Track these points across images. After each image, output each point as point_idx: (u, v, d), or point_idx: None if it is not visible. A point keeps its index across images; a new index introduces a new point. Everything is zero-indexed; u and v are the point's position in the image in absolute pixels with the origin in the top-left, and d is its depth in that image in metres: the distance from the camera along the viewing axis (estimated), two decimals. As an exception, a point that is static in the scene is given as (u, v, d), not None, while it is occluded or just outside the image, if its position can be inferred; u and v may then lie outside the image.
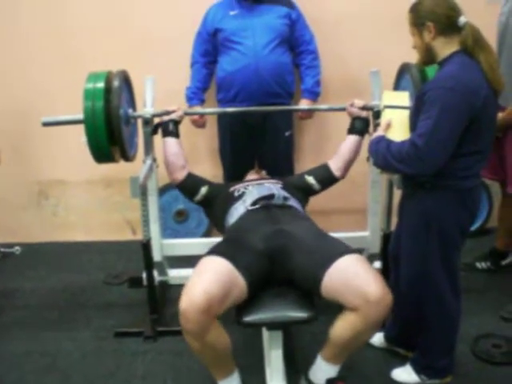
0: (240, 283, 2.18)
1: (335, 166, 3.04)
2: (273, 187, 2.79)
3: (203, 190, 3.00)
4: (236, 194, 2.83)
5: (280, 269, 2.31)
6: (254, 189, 2.79)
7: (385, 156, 2.22)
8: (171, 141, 3.04)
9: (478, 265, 3.72)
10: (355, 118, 3.09)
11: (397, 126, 2.37)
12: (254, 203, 2.64)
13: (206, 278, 2.10)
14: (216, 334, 2.11)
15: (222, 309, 2.09)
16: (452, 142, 2.11)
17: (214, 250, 2.31)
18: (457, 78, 2.09)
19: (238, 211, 2.68)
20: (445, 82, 2.10)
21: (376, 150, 2.29)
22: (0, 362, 2.88)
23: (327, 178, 3.05)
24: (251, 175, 3.23)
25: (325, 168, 3.07)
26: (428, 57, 2.28)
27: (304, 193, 2.99)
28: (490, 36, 2.24)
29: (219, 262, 2.20)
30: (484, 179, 3.31)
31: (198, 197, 3.01)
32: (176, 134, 3.06)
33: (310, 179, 3.02)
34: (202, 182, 3.06)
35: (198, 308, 2.00)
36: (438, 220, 2.28)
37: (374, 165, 2.46)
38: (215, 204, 2.94)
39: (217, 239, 2.66)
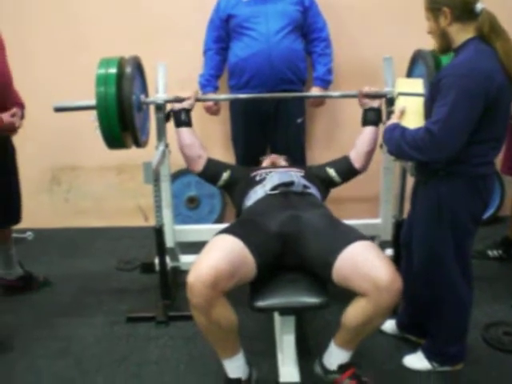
0: (249, 262, 2.19)
1: (355, 159, 3.03)
2: (293, 175, 2.79)
3: (225, 175, 3.00)
4: (257, 178, 2.84)
5: (292, 254, 2.32)
6: (276, 175, 2.79)
7: (399, 143, 2.21)
8: (184, 131, 3.04)
9: (490, 253, 3.72)
10: (367, 110, 3.08)
11: (411, 114, 2.36)
12: (273, 188, 2.65)
13: (215, 254, 2.12)
14: (222, 310, 2.12)
15: (229, 285, 2.09)
16: (467, 129, 2.10)
17: (226, 230, 2.33)
18: (473, 64, 2.08)
19: (256, 195, 2.69)
20: (460, 69, 2.09)
21: (390, 137, 2.29)
22: (12, 347, 2.90)
23: (348, 171, 3.05)
24: (272, 159, 3.21)
25: (345, 160, 3.06)
26: (444, 43, 2.25)
27: (324, 184, 2.98)
28: (507, 23, 2.20)
29: (230, 240, 2.21)
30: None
31: (220, 182, 3.02)
32: (188, 123, 3.06)
33: (331, 172, 3.01)
34: (223, 166, 3.07)
35: (205, 282, 2.01)
36: (451, 207, 2.28)
37: (388, 152, 2.45)
38: (236, 188, 2.94)
39: (229, 225, 2.67)
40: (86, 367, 2.74)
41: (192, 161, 3.04)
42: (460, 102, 2.05)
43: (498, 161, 3.27)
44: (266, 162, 3.19)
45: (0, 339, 2.90)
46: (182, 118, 3.03)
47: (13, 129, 2.92)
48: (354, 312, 2.14)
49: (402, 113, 2.37)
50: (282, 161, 3.19)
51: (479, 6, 2.14)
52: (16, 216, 3.20)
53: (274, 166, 3.09)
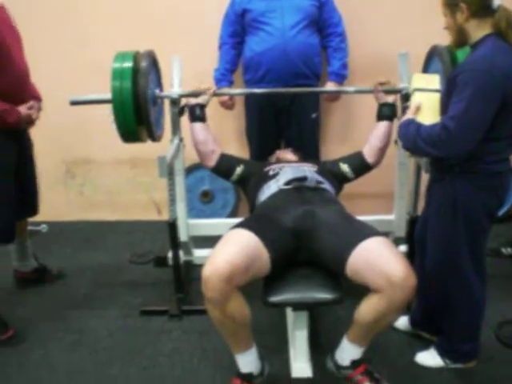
0: (264, 257, 2.19)
1: (369, 154, 3.03)
2: (307, 170, 2.79)
3: (238, 169, 3.01)
4: (271, 173, 2.84)
5: (306, 249, 2.33)
6: (289, 169, 2.80)
7: (414, 139, 2.20)
8: (198, 126, 3.03)
9: (504, 250, 3.71)
10: (382, 104, 3.07)
11: (427, 109, 2.35)
12: (287, 183, 2.65)
13: (231, 248, 2.12)
14: (236, 304, 2.12)
15: (243, 279, 2.11)
16: (483, 125, 2.09)
17: (242, 224, 2.34)
18: (490, 60, 2.06)
19: (270, 189, 2.69)
20: (478, 65, 2.07)
21: (405, 132, 2.28)
22: (26, 339, 2.92)
23: (361, 166, 3.04)
24: (285, 154, 3.21)
25: (359, 156, 3.05)
26: (460, 38, 2.24)
27: (337, 179, 2.98)
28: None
29: (245, 235, 2.22)
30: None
31: (234, 177, 3.02)
32: (203, 119, 3.06)
33: (345, 167, 3.01)
34: (236, 161, 3.08)
35: (221, 276, 2.02)
36: (465, 204, 2.27)
37: (403, 148, 2.44)
38: (250, 182, 2.95)
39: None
40: (98, 359, 2.76)
41: (205, 156, 3.05)
42: (476, 98, 2.04)
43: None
44: (275, 157, 3.22)
45: (14, 331, 2.92)
46: (197, 113, 3.03)
47: (30, 121, 2.94)
48: (367, 308, 2.14)
49: (418, 108, 2.36)
50: (289, 155, 3.19)
51: (496, 2, 2.12)
52: (33, 208, 3.23)
53: (284, 160, 3.09)
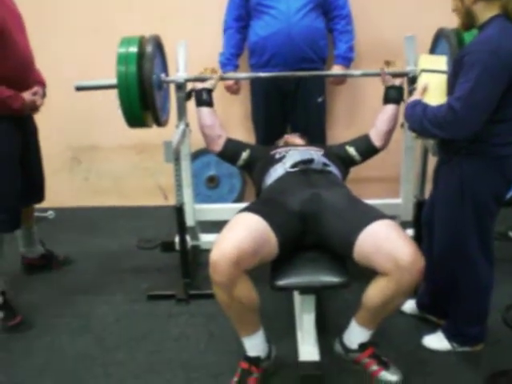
0: (272, 240, 2.20)
1: (376, 137, 3.02)
2: (313, 153, 2.79)
3: (244, 154, 3.00)
4: (277, 156, 2.83)
5: (313, 232, 2.32)
6: (295, 152, 2.79)
7: (421, 120, 2.19)
8: (205, 111, 3.03)
9: (511, 234, 3.69)
10: (389, 87, 3.06)
11: (433, 90, 2.34)
12: (293, 166, 2.65)
13: (238, 232, 2.12)
14: (244, 288, 2.13)
15: (251, 263, 2.11)
16: (489, 106, 2.08)
17: (249, 208, 2.34)
18: (497, 41, 2.04)
19: (276, 172, 2.69)
20: (484, 45, 2.06)
21: (412, 113, 2.27)
22: (33, 325, 2.94)
23: (368, 149, 3.03)
24: (293, 138, 3.20)
25: (365, 139, 3.04)
26: (468, 21, 2.22)
27: (344, 163, 2.97)
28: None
29: (253, 218, 2.22)
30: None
31: (240, 162, 3.02)
32: (210, 103, 3.05)
33: (352, 150, 3.00)
34: (242, 146, 3.07)
35: (228, 260, 2.02)
36: (473, 187, 2.26)
37: (409, 129, 2.44)
38: (256, 167, 2.94)
39: (249, 204, 2.67)
40: (106, 344, 2.77)
41: (212, 141, 3.04)
42: (483, 79, 2.03)
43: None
44: (282, 141, 3.20)
45: (22, 317, 2.93)
46: (204, 98, 3.02)
47: (34, 107, 2.93)
48: (375, 291, 2.14)
49: (425, 89, 2.35)
50: (296, 139, 3.18)
51: (505, -16, 2.11)
52: (39, 194, 3.23)
53: (291, 144, 3.08)
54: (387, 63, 3.05)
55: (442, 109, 2.12)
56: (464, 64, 2.08)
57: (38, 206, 3.34)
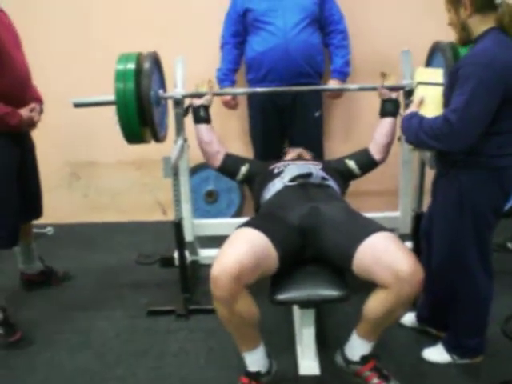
0: (272, 255, 2.20)
1: (375, 150, 3.05)
2: (312, 167, 2.80)
3: (243, 169, 3.02)
4: (276, 171, 2.85)
5: (313, 246, 2.33)
6: (294, 167, 2.81)
7: (417, 132, 2.21)
8: (203, 128, 3.06)
9: (510, 245, 3.70)
10: (385, 101, 3.08)
11: (430, 103, 2.36)
12: (292, 180, 2.66)
13: (239, 247, 2.12)
14: (245, 303, 2.13)
15: (252, 278, 2.11)
16: (485, 118, 2.09)
17: (249, 223, 2.34)
18: (492, 54, 2.06)
19: (275, 187, 2.70)
20: (479, 58, 2.08)
21: (408, 126, 2.29)
22: (33, 341, 2.93)
23: (367, 162, 3.06)
24: (292, 153, 3.19)
25: (365, 152, 3.07)
26: (464, 34, 2.24)
27: (343, 177, 2.99)
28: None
29: (253, 233, 2.22)
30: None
31: (239, 176, 3.04)
32: (207, 120, 3.08)
33: (351, 164, 3.03)
34: (241, 161, 3.09)
35: (229, 275, 2.02)
36: (471, 198, 2.27)
37: (406, 141, 2.45)
38: (255, 181, 2.96)
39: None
40: (106, 360, 2.76)
41: (211, 156, 3.07)
42: (478, 92, 2.05)
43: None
44: (290, 155, 3.18)
45: (21, 333, 2.92)
46: (201, 115, 3.05)
47: (32, 124, 2.95)
48: (375, 304, 2.14)
49: (421, 102, 2.37)
50: (307, 155, 3.18)
51: (499, -3, 2.13)
52: (37, 210, 3.24)
53: (298, 158, 3.08)
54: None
55: (437, 121, 2.14)
56: (459, 76, 2.10)
57: (36, 222, 3.35)
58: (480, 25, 2.17)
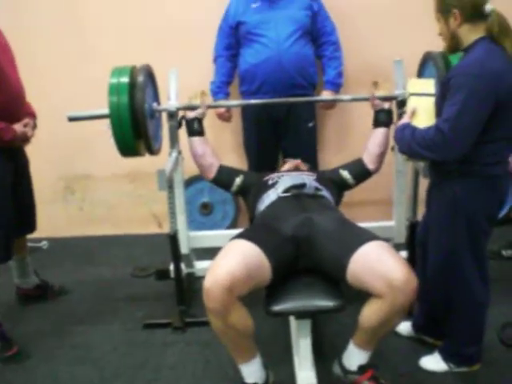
0: (265, 266, 2.20)
1: (368, 160, 3.06)
2: (305, 178, 2.81)
3: (238, 180, 3.02)
4: (270, 182, 2.85)
5: (307, 257, 2.33)
6: (288, 178, 2.82)
7: (410, 143, 2.23)
8: (196, 141, 3.06)
9: (504, 252, 3.72)
10: (378, 111, 3.09)
11: (422, 113, 2.38)
12: (285, 190, 2.67)
13: (232, 259, 2.13)
14: (238, 314, 2.13)
15: (244, 290, 2.11)
16: (477, 128, 2.11)
17: (242, 235, 2.34)
18: (482, 63, 2.09)
19: (269, 198, 2.71)
20: (470, 68, 2.10)
21: (401, 136, 2.30)
22: (30, 355, 2.92)
23: (361, 172, 3.06)
24: (290, 164, 3.19)
25: (359, 162, 3.08)
26: (454, 44, 2.26)
27: (338, 187, 3.00)
28: None
29: (245, 245, 2.22)
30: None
31: (234, 188, 3.04)
32: (201, 132, 3.08)
33: (345, 174, 3.03)
34: (235, 172, 3.10)
35: (221, 286, 2.02)
36: (466, 207, 2.28)
37: (399, 152, 2.47)
38: (250, 193, 2.96)
39: (243, 231, 2.68)
40: (103, 374, 2.76)
41: (205, 169, 3.07)
42: (470, 102, 2.07)
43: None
44: (288, 165, 3.18)
45: (18, 348, 2.92)
46: (195, 127, 3.06)
47: (25, 139, 2.96)
48: (370, 313, 2.15)
49: (414, 113, 2.38)
50: (304, 166, 3.18)
51: (488, 7, 2.15)
52: (31, 225, 3.24)
53: (295, 169, 3.09)
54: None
55: (430, 131, 2.16)
56: (451, 86, 2.12)
57: (31, 236, 3.34)
58: (470, 34, 2.19)
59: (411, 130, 2.26)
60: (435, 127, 2.14)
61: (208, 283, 2.06)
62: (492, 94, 2.07)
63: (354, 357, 2.29)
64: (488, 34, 2.17)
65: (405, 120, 2.37)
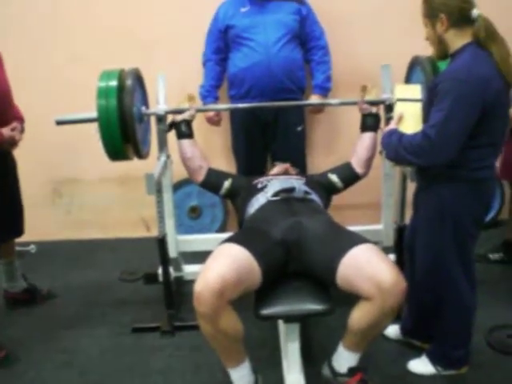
0: (255, 270, 2.20)
1: (357, 164, 3.07)
2: (294, 182, 2.81)
3: (226, 183, 3.03)
4: (259, 186, 2.86)
5: (296, 260, 2.34)
6: (277, 181, 2.82)
7: (397, 148, 2.24)
8: (185, 143, 3.06)
9: (491, 256, 3.74)
10: (366, 115, 3.11)
11: (409, 119, 2.38)
12: (275, 194, 2.68)
13: (222, 263, 2.13)
14: (229, 319, 2.13)
15: (235, 294, 2.12)
16: (464, 133, 2.12)
17: (231, 238, 2.35)
18: (469, 69, 2.10)
19: (258, 202, 2.71)
20: (457, 74, 2.12)
21: (388, 142, 2.32)
22: (18, 359, 2.90)
23: (350, 176, 3.08)
24: (279, 168, 3.19)
25: (347, 166, 3.09)
26: (441, 49, 2.28)
27: (326, 191, 3.01)
28: (500, 26, 2.23)
29: (235, 249, 2.22)
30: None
31: (223, 191, 3.04)
32: (189, 135, 3.08)
33: (333, 177, 3.04)
34: (224, 176, 3.10)
35: (212, 291, 2.03)
36: (453, 211, 2.30)
37: (386, 158, 2.47)
38: (239, 196, 2.97)
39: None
40: (91, 378, 2.75)
41: (193, 171, 3.07)
42: (456, 107, 2.08)
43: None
44: (277, 169, 3.18)
45: (6, 352, 2.90)
46: (183, 130, 3.06)
47: (13, 143, 2.94)
48: (360, 315, 2.16)
49: (400, 118, 2.39)
50: (293, 170, 3.19)
51: (475, 12, 2.17)
52: (18, 229, 3.22)
53: (284, 173, 3.09)
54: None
55: (417, 137, 2.17)
56: (438, 92, 2.13)
57: (19, 240, 3.33)
58: (457, 39, 2.21)
59: (398, 135, 2.27)
60: (422, 133, 2.15)
61: (199, 287, 2.06)
62: (479, 100, 2.09)
63: (344, 359, 2.30)
64: (475, 39, 2.19)
65: (392, 126, 2.38)
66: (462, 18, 2.17)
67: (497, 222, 4.27)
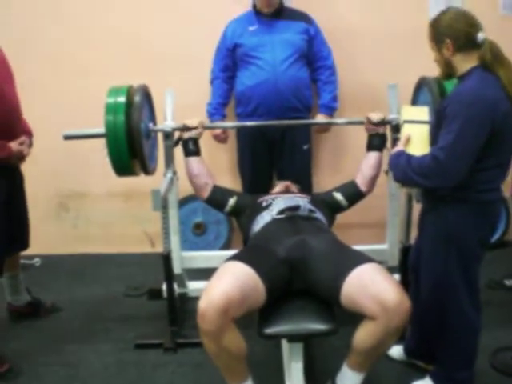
0: (259, 288, 2.20)
1: (361, 182, 3.08)
2: (299, 200, 2.82)
3: (231, 201, 3.04)
4: (264, 204, 2.87)
5: (300, 279, 2.34)
6: (282, 200, 2.83)
7: (405, 170, 2.24)
8: (192, 161, 3.08)
9: (507, 282, 3.70)
10: (372, 135, 3.12)
11: (416, 141, 2.38)
12: (280, 212, 2.69)
13: (227, 281, 2.13)
14: (232, 337, 2.13)
15: (239, 312, 2.11)
16: (472, 156, 2.13)
17: (236, 256, 2.35)
18: (477, 92, 2.11)
19: (263, 219, 2.72)
20: (464, 97, 2.13)
21: (396, 164, 2.32)
22: (21, 373, 2.90)
23: (354, 194, 3.08)
24: (287, 186, 3.20)
25: (352, 184, 3.10)
26: (448, 71, 2.30)
27: (331, 209, 3.02)
28: (506, 48, 2.24)
29: (240, 267, 2.22)
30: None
31: (227, 208, 3.05)
32: (196, 152, 3.10)
33: (338, 196, 3.05)
34: (229, 193, 3.11)
35: (217, 309, 2.03)
36: (458, 233, 2.29)
37: (394, 179, 2.47)
38: (244, 214, 2.97)
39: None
40: (94, 394, 2.74)
41: (199, 188, 3.08)
42: (465, 130, 2.09)
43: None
44: (279, 187, 3.19)
45: (9, 365, 2.90)
46: (190, 147, 3.07)
47: (21, 157, 2.96)
48: (364, 335, 2.15)
49: (408, 140, 2.39)
50: (294, 188, 3.20)
51: (481, 36, 2.18)
52: (24, 242, 3.23)
53: (286, 191, 3.10)
54: (369, 120, 3.10)
55: (426, 159, 2.17)
56: (446, 115, 2.14)
57: (24, 253, 3.34)
58: (464, 63, 2.23)
59: (406, 157, 2.27)
60: (431, 155, 2.16)
61: (203, 304, 2.06)
62: (487, 122, 2.09)
63: (348, 379, 2.29)
64: (481, 62, 2.20)
65: (399, 147, 2.38)
66: (468, 42, 2.19)
67: (503, 243, 4.26)
